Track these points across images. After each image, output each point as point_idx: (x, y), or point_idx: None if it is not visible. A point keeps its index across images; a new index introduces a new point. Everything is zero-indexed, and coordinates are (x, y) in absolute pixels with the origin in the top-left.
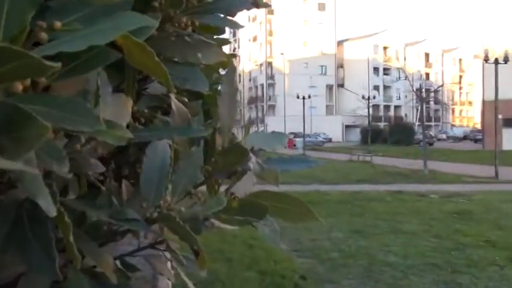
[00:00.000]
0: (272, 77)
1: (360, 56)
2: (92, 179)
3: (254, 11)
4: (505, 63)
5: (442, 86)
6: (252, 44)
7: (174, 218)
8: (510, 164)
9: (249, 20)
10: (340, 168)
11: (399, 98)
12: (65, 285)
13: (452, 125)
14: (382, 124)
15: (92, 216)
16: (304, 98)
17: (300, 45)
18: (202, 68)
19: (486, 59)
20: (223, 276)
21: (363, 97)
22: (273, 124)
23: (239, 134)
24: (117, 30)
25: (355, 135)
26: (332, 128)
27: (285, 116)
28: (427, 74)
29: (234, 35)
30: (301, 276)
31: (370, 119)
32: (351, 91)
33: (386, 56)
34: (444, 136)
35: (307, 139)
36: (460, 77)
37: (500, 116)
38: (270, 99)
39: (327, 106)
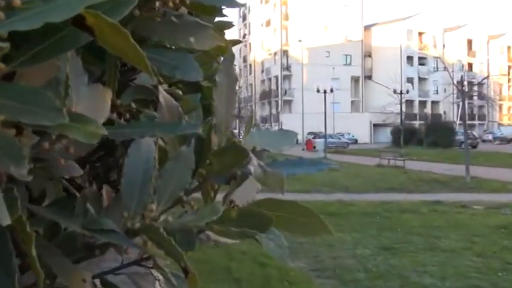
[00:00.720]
0: (288, 67)
1: (390, 43)
2: (66, 184)
3: None
4: None
5: (487, 78)
6: (264, 30)
7: (157, 229)
8: None
9: (261, 2)
10: (367, 174)
11: (437, 93)
12: None
13: (500, 124)
14: (416, 123)
15: (64, 226)
16: (325, 92)
17: (320, 30)
18: (199, 55)
19: None
20: None
21: (395, 91)
22: (289, 123)
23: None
24: (79, 3)
25: (385, 136)
26: (358, 128)
27: (303, 114)
28: (470, 65)
29: (244, 19)
30: None
31: (403, 117)
32: (380, 84)
33: (421, 43)
34: (490, 137)
35: (329, 140)
36: (509, 67)
37: None
38: (285, 93)
39: (352, 102)
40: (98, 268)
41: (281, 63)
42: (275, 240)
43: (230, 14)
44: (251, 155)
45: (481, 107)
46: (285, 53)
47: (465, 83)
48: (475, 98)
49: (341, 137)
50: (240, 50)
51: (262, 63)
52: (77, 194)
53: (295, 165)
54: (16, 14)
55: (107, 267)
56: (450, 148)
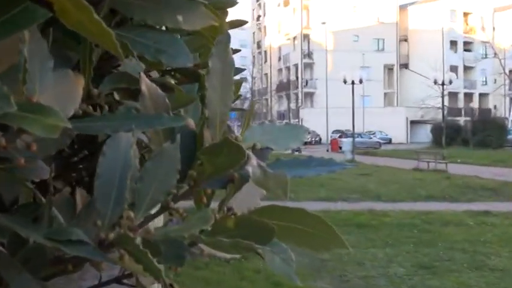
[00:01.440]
0: (310, 54)
1: (430, 26)
2: (32, 188)
3: None
4: None
5: None
6: (282, 10)
7: (131, 240)
8: None
9: None
10: (403, 180)
11: (485, 83)
12: None
13: None
14: (461, 119)
15: (24, 236)
16: (353, 83)
17: (347, 11)
18: (194, 38)
19: None
20: None
21: (435, 82)
22: (311, 119)
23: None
24: None
25: (424, 135)
26: (392, 125)
27: (327, 108)
28: None
29: None
30: None
31: (445, 112)
32: (418, 74)
33: (467, 25)
34: None
35: (358, 140)
36: None
37: None
38: (306, 84)
39: (385, 94)
40: (77, 287)
41: (301, 50)
42: (281, 254)
43: None
44: (249, 153)
45: None
46: (305, 37)
47: None
48: None
49: (372, 136)
50: (254, 34)
51: (280, 49)
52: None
53: (301, 166)
54: None
55: (85, 286)
56: (501, 149)
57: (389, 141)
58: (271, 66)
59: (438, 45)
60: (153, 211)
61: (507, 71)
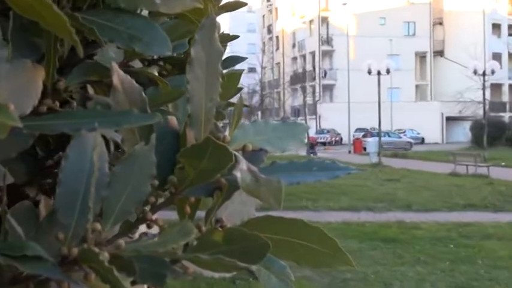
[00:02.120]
0: (329, 41)
1: (470, 7)
2: None
3: None
4: None
5: None
6: None
7: (95, 256)
8: None
9: None
10: (437, 186)
11: None
12: None
13: None
14: (506, 115)
15: None
16: (379, 73)
17: None
18: (179, 22)
19: None
20: None
21: (475, 72)
22: (331, 115)
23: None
24: None
25: (462, 133)
26: (425, 122)
27: (349, 103)
28: None
29: None
30: None
31: (487, 107)
32: (455, 62)
33: None
34: None
35: (385, 139)
36: None
37: None
38: (325, 75)
39: (417, 87)
40: None
41: (319, 35)
42: (278, 273)
43: None
44: (238, 156)
45: None
46: (324, 20)
47: None
48: None
49: (401, 135)
50: (264, 17)
51: (294, 34)
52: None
53: (300, 170)
54: None
55: None
56: None
57: (422, 141)
58: (284, 55)
59: (478, 29)
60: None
61: None
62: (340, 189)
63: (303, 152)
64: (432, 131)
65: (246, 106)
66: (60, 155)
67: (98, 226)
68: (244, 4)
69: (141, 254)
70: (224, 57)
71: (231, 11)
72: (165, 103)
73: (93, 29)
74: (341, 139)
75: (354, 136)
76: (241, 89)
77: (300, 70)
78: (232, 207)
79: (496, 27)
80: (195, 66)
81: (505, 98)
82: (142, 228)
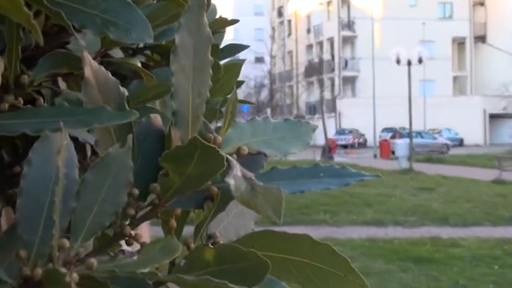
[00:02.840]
0: (350, 25)
1: None
2: None
3: None
4: None
5: None
6: None
7: (62, 277)
8: None
9: None
10: (478, 196)
11: None
12: None
13: None
14: None
15: None
16: (410, 64)
17: None
18: (166, 5)
19: None
20: None
21: None
22: (352, 113)
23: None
24: None
25: (508, 134)
26: (464, 120)
27: (374, 98)
28: None
29: None
30: None
31: None
32: (500, 49)
33: None
34: None
35: (418, 141)
36: None
37: None
38: (345, 66)
39: (454, 78)
40: None
41: (339, 19)
42: None
43: None
44: (231, 160)
45: None
46: (344, 1)
47: None
48: None
49: (437, 135)
50: None
51: (309, 18)
52: None
53: (305, 177)
54: None
55: None
56: None
57: (460, 143)
58: (298, 42)
59: None
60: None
61: None
62: (363, 200)
63: (318, 157)
64: (473, 131)
65: (248, 102)
66: None
67: (66, 243)
68: None
69: (117, 274)
70: (223, 44)
71: None
72: (151, 99)
73: (60, 13)
74: (365, 141)
75: (380, 137)
76: (242, 82)
77: (316, 60)
78: (227, 220)
79: None
80: (180, 55)
81: None
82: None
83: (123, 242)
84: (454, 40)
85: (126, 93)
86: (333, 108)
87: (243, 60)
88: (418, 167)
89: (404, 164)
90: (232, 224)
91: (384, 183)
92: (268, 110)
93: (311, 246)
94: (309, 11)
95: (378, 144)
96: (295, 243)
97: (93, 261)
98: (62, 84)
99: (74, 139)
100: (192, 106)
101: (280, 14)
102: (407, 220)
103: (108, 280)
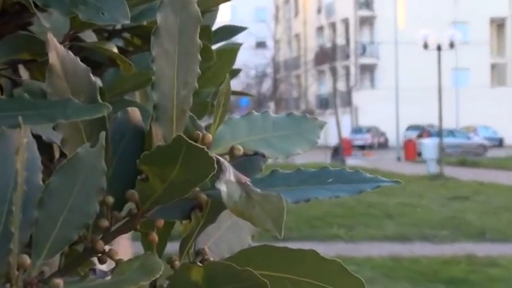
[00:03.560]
0: (368, 3)
1: None
2: None
3: None
4: None
5: None
6: None
7: None
8: None
9: None
10: None
11: None
12: None
13: None
14: None
15: None
16: (440, 48)
17: None
18: None
19: None
20: None
21: None
22: (371, 107)
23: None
24: None
25: None
26: (504, 116)
27: (397, 90)
28: None
29: None
30: None
31: None
32: None
33: None
34: None
35: (449, 141)
36: None
37: None
38: (363, 52)
39: (492, 67)
40: None
41: None
42: None
43: None
44: (222, 162)
45: None
46: None
47: None
48: None
49: (472, 134)
50: None
51: None
52: None
53: (310, 182)
54: None
55: None
56: None
57: (500, 143)
58: (306, 23)
59: None
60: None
61: None
62: (385, 211)
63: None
64: None
65: (245, 94)
66: None
67: (27, 260)
68: None
69: None
70: (216, 26)
71: None
72: (130, 91)
73: None
74: (386, 141)
75: (404, 137)
76: (238, 71)
77: (329, 45)
78: (219, 234)
79: None
80: (163, 37)
81: None
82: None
83: (95, 260)
84: (492, 21)
85: (100, 83)
86: (348, 102)
87: (240, 45)
88: (449, 171)
89: (433, 168)
90: (225, 238)
91: (409, 191)
92: (272, 104)
93: (318, 264)
94: None
95: (401, 144)
96: (299, 261)
97: (59, 282)
98: (24, 73)
99: (38, 137)
100: (176, 98)
101: None
102: (436, 235)
103: None
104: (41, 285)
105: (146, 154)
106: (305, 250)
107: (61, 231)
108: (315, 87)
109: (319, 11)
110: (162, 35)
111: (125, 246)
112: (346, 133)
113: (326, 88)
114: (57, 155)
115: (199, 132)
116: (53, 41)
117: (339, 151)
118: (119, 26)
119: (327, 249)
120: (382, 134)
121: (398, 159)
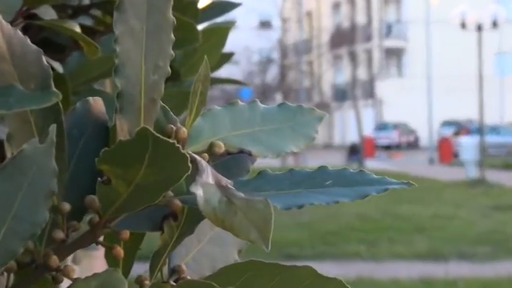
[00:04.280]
0: None
1: None
2: None
3: None
4: None
5: None
6: None
7: None
8: None
9: None
10: None
11: None
12: None
13: None
14: None
15: None
16: (480, 29)
17: None
18: None
19: None
20: None
21: None
22: (398, 99)
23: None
24: None
25: None
26: None
27: (429, 80)
28: None
29: None
30: None
31: None
32: None
33: None
34: None
35: (492, 139)
36: None
37: None
38: (389, 33)
39: None
40: None
41: None
42: None
43: None
44: (198, 162)
45: None
46: None
47: None
48: None
49: None
50: None
51: None
52: None
53: (305, 185)
54: None
55: None
56: None
57: None
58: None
59: None
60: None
61: None
62: (414, 223)
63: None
64: None
65: (237, 82)
66: None
67: None
68: None
69: None
70: (205, 2)
71: None
72: (98, 78)
73: None
74: (417, 139)
75: (438, 135)
76: (230, 55)
77: (347, 25)
78: (198, 247)
79: None
80: (128, 13)
81: None
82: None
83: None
84: None
85: (61, 69)
86: (370, 93)
87: (232, 23)
88: (492, 176)
89: (473, 173)
90: (206, 252)
91: (444, 199)
92: (278, 96)
93: (315, 283)
94: None
95: (434, 144)
96: (292, 279)
97: None
98: None
99: None
100: (144, 85)
101: None
102: (476, 252)
103: None
104: None
105: (106, 151)
106: (300, 267)
107: (4, 243)
108: (331, 75)
109: None
110: (126, 9)
111: (101, 269)
112: (368, 130)
113: (344, 76)
114: (9, 154)
115: (172, 126)
116: None
117: (356, 151)
118: (86, 1)
119: (345, 270)
120: (412, 132)
121: (431, 161)
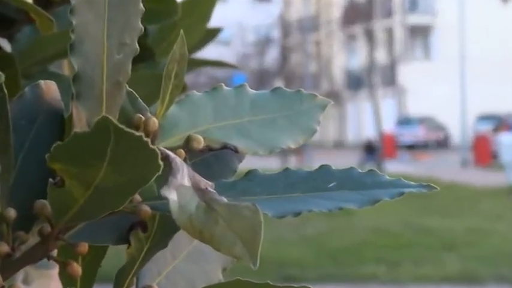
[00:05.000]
0: None
1: None
2: None
3: None
4: None
5: None
6: None
7: None
8: None
9: None
10: None
11: None
12: None
13: None
14: None
15: None
16: None
17: None
18: None
19: None
20: None
21: None
22: (425, 88)
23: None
24: None
25: None
26: None
27: (462, 64)
28: None
29: None
30: None
31: None
32: None
33: None
34: None
35: None
36: None
37: None
38: (414, 6)
39: None
40: None
41: None
42: None
43: None
44: (171, 159)
45: None
46: None
47: None
48: None
49: None
50: None
51: None
52: None
53: (303, 188)
54: None
55: None
56: None
57: None
58: None
59: None
60: None
61: None
62: (445, 240)
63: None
64: None
65: (231, 66)
66: None
67: None
68: None
69: None
70: None
71: None
72: (55, 58)
73: None
74: (447, 137)
75: (474, 131)
76: (216, 31)
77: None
78: (174, 264)
79: None
80: None
81: None
82: None
83: None
84: None
85: (8, 47)
86: (391, 80)
87: None
88: None
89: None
90: (183, 270)
91: (480, 210)
92: (279, 83)
93: None
94: None
95: (469, 142)
96: None
97: None
98: None
99: None
100: (107, 66)
101: None
102: None
103: None
104: None
105: (59, 146)
106: (291, 287)
107: None
108: (343, 58)
109: None
110: None
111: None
112: (388, 126)
113: (359, 60)
114: None
115: (140, 116)
116: None
117: (373, 150)
118: None
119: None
120: (441, 128)
121: (465, 163)
